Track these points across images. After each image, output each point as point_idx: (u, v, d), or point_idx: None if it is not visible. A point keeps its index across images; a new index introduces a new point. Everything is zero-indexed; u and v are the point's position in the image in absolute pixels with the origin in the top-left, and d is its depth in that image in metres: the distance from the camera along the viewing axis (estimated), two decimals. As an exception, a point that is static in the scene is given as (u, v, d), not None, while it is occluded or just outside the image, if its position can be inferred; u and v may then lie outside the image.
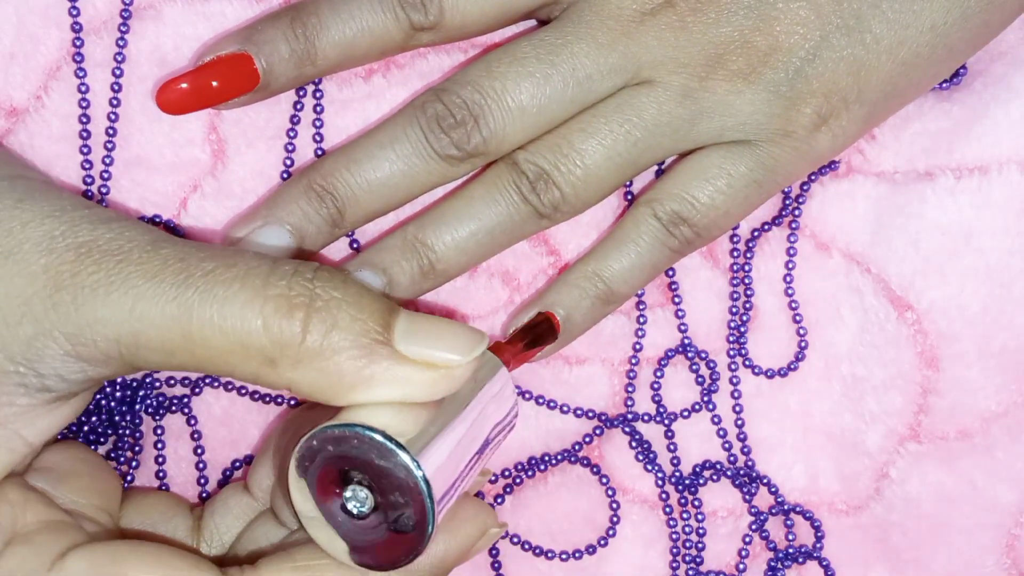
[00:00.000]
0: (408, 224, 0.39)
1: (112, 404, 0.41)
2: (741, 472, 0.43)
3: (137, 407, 0.41)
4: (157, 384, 0.41)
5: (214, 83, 0.36)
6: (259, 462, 0.39)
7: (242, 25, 0.38)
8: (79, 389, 0.34)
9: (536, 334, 0.39)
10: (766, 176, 0.39)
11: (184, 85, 0.36)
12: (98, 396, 0.40)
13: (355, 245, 0.41)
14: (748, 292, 0.42)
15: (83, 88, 0.39)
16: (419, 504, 0.32)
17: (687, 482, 0.43)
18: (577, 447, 0.42)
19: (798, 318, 0.42)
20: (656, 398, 0.43)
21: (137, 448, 0.41)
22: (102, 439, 0.41)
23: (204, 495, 0.42)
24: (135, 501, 0.39)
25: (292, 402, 0.42)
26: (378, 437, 0.31)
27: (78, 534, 0.34)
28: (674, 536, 0.43)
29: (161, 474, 0.42)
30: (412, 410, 0.33)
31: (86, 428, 0.41)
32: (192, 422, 0.41)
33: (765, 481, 0.43)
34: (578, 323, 0.40)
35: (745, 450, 0.43)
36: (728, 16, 0.37)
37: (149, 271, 0.32)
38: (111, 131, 0.39)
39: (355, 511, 0.33)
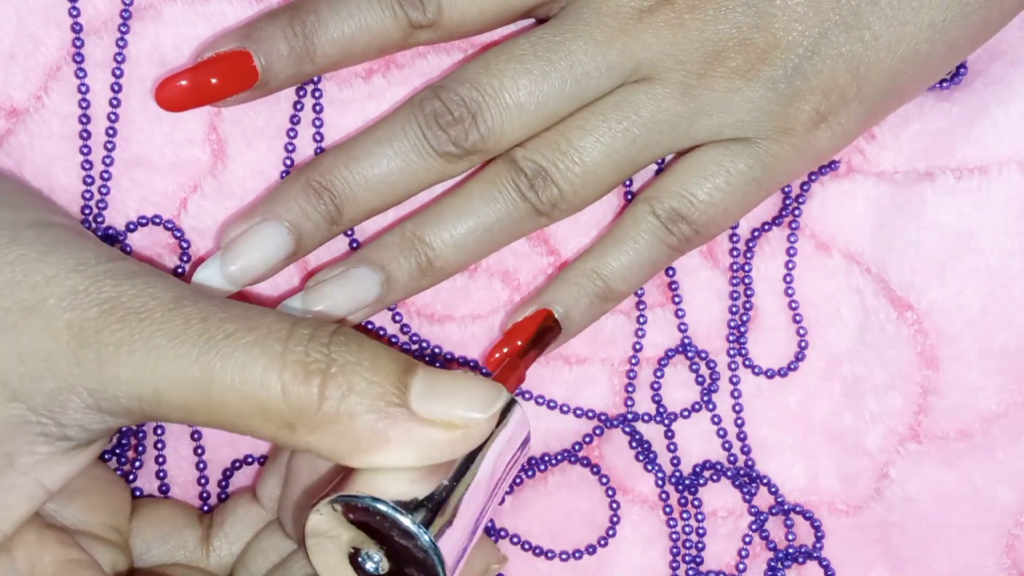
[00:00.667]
0: (406, 221, 0.39)
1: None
2: (741, 472, 0.43)
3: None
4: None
5: (213, 80, 0.36)
6: (268, 472, 0.39)
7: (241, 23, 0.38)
8: (98, 437, 0.34)
9: (539, 336, 0.39)
10: (765, 174, 0.39)
11: (183, 82, 0.36)
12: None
13: (354, 244, 0.41)
14: (748, 292, 0.42)
15: (83, 88, 0.39)
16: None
17: (687, 482, 0.42)
18: (577, 447, 0.42)
19: (798, 318, 0.42)
20: (656, 398, 0.42)
21: (140, 448, 0.41)
22: (102, 439, 0.41)
23: (204, 495, 0.42)
24: (144, 513, 0.39)
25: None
26: (400, 518, 0.31)
27: (95, 573, 0.34)
28: (674, 536, 0.43)
29: (161, 474, 0.42)
30: (430, 470, 0.32)
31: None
32: (192, 422, 0.41)
33: (765, 481, 0.43)
34: (577, 321, 0.40)
35: (745, 450, 0.43)
36: (726, 13, 0.37)
37: (171, 331, 0.32)
38: (111, 131, 0.39)
39: (372, 570, 0.33)
